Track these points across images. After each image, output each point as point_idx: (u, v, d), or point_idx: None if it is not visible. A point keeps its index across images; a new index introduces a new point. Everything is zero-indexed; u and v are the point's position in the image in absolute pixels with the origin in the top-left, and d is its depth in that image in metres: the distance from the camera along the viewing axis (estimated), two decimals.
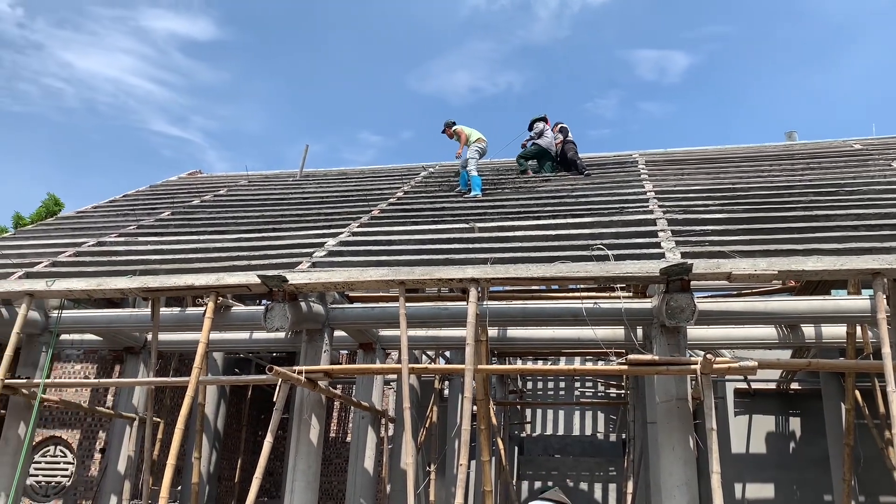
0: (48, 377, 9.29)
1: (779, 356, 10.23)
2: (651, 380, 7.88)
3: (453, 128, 12.96)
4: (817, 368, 9.30)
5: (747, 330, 8.84)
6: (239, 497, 14.26)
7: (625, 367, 6.53)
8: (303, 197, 13.23)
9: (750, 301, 8.04)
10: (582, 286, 8.67)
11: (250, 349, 13.15)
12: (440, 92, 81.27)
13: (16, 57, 63.21)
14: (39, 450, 11.96)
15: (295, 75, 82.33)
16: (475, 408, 7.34)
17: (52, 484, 11.84)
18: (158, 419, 11.44)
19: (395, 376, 11.95)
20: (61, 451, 12.01)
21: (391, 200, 12.06)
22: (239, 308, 9.27)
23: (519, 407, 16.69)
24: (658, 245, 7.81)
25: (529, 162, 13.70)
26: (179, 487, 12.40)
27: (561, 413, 17.65)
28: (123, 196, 14.95)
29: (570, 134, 13.57)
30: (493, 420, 10.92)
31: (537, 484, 16.01)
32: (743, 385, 12.06)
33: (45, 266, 9.34)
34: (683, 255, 7.23)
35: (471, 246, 8.60)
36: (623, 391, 15.74)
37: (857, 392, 8.46)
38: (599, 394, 17.66)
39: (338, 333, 9.08)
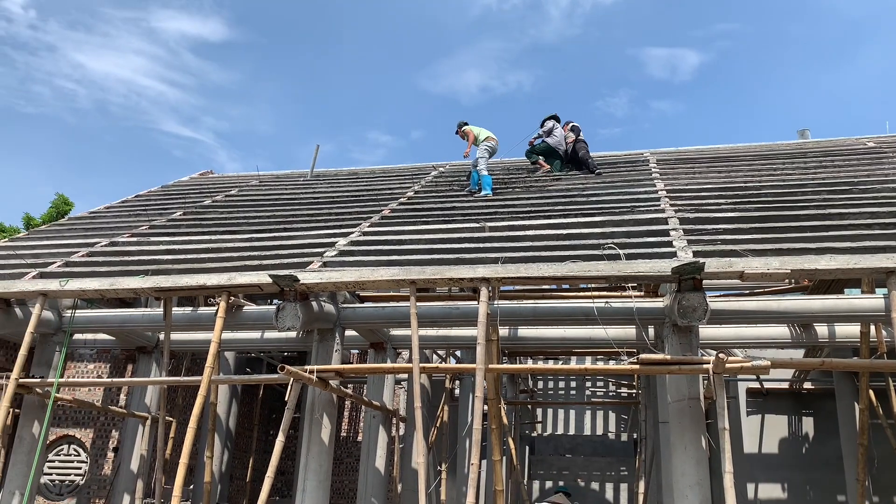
0: (62, 376, 9.36)
1: (791, 355, 10.19)
2: (663, 379, 7.86)
3: (463, 128, 13.03)
4: (830, 368, 9.23)
5: (760, 329, 8.80)
6: (251, 496, 14.32)
7: (636, 366, 6.50)
8: (313, 197, 13.26)
9: (762, 300, 7.98)
10: (593, 285, 8.67)
11: (262, 349, 13.21)
12: (451, 91, 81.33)
13: (29, 59, 63.78)
14: (53, 448, 12.06)
15: (305, 75, 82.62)
16: (486, 407, 7.34)
17: (66, 482, 11.94)
18: (171, 418, 11.53)
19: (406, 376, 11.98)
20: (75, 449, 12.10)
21: (401, 200, 12.07)
22: (251, 308, 9.29)
23: (530, 406, 16.66)
24: (670, 244, 7.78)
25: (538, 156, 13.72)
26: (192, 486, 12.46)
27: (572, 413, 17.62)
28: (136, 196, 15.03)
29: (581, 133, 13.55)
30: (504, 419, 10.90)
31: (548, 484, 15.98)
32: (755, 384, 11.99)
33: (59, 266, 9.40)
34: (695, 253, 7.20)
35: (481, 245, 8.59)
36: (635, 391, 15.70)
37: (871, 391, 8.41)
38: (611, 393, 17.61)
39: (349, 333, 9.10)
